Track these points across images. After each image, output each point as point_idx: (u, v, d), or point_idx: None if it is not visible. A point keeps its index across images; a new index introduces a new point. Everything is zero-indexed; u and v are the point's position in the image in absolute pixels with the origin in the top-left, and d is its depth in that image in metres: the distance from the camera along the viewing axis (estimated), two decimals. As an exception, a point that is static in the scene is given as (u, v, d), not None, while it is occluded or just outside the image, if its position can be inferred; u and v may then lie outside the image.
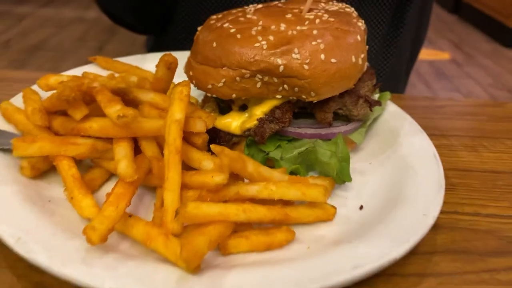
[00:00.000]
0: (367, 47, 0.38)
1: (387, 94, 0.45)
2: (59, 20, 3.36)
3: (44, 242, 0.26)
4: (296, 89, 0.34)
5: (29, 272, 0.28)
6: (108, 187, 0.34)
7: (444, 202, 0.40)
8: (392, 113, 0.44)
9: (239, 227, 0.30)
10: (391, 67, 0.73)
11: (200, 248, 0.25)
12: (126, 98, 0.35)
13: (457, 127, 0.51)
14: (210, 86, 0.35)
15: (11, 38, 3.08)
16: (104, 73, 0.45)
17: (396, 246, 0.29)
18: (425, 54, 3.79)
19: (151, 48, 0.83)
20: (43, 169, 0.33)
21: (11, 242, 0.26)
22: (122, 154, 0.30)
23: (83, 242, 0.27)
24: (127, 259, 0.26)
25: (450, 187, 0.41)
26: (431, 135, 0.49)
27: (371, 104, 0.38)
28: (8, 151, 0.33)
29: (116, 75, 0.43)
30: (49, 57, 2.81)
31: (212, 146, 0.31)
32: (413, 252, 0.33)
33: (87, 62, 2.00)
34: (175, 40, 0.70)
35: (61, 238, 0.27)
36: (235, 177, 0.31)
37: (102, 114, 0.32)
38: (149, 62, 0.48)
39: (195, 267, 0.25)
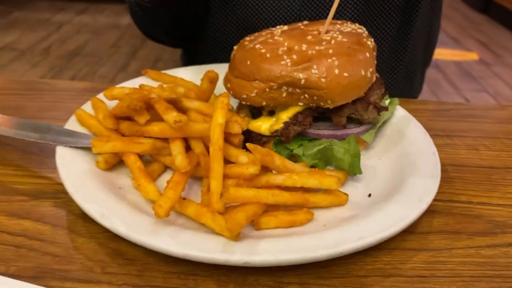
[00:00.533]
0: (375, 61, 0.46)
1: (396, 100, 0.52)
2: (95, 27, 3.50)
3: (121, 216, 0.35)
4: (315, 97, 0.42)
5: (107, 241, 0.37)
6: (163, 177, 0.43)
7: (442, 192, 0.47)
8: (400, 117, 0.51)
9: (268, 208, 0.37)
10: (404, 70, 0.79)
11: (239, 221, 0.33)
12: (177, 106, 0.43)
13: (461, 129, 0.58)
14: (244, 96, 0.43)
15: (51, 45, 3.24)
16: (154, 83, 0.54)
17: (394, 223, 0.36)
18: (452, 54, 3.77)
19: (184, 56, 0.92)
20: (114, 163, 0.42)
21: (97, 216, 0.35)
22: (177, 151, 0.38)
23: (150, 217, 0.35)
24: (184, 230, 0.35)
25: (448, 180, 0.47)
26: (436, 135, 0.56)
27: (379, 109, 0.45)
28: (86, 149, 0.42)
29: (164, 85, 0.51)
30: (86, 62, 2.94)
31: (247, 144, 0.39)
32: (412, 232, 0.40)
33: (121, 67, 2.14)
34: (205, 52, 0.79)
35: (134, 214, 0.35)
36: (265, 169, 0.39)
37: (159, 119, 0.41)
38: (191, 74, 0.57)
39: (236, 235, 0.33)
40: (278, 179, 0.38)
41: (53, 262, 0.35)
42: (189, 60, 0.89)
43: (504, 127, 0.59)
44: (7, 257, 0.35)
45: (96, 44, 3.20)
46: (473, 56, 3.87)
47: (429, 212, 0.43)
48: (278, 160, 0.38)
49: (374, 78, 0.45)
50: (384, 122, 0.51)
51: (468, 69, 3.66)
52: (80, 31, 3.52)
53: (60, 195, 0.41)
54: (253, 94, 0.43)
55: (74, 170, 0.40)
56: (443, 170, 0.49)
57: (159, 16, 0.72)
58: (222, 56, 0.75)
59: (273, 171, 0.40)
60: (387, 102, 0.52)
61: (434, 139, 0.54)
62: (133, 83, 0.53)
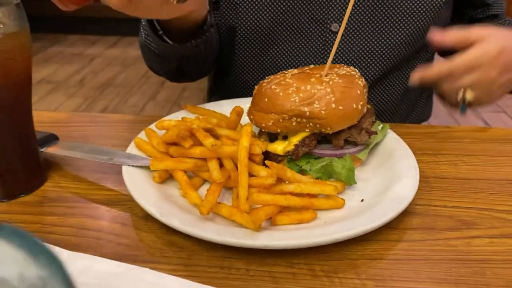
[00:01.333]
0: (366, 96, 0.58)
1: (387, 126, 0.63)
2: (125, 59, 3.70)
3: (175, 215, 0.47)
4: (318, 125, 0.54)
5: (163, 235, 0.49)
6: (202, 188, 0.55)
7: (422, 198, 0.57)
8: (390, 138, 0.63)
9: (282, 209, 0.49)
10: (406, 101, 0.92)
11: (260, 216, 0.45)
12: (212, 133, 0.57)
13: (445, 148, 0.69)
14: (263, 125, 0.56)
15: (84, 77, 3.45)
16: (192, 115, 0.67)
17: (378, 219, 0.47)
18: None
19: (210, 88, 1.07)
20: (166, 178, 0.55)
21: (157, 215, 0.47)
22: (213, 167, 0.51)
23: (195, 215, 0.48)
24: (221, 224, 0.47)
25: (428, 189, 0.58)
26: (424, 154, 0.67)
27: (370, 133, 0.57)
28: (145, 167, 0.55)
29: (200, 117, 0.65)
30: (117, 93, 3.14)
31: (266, 162, 0.51)
32: (395, 228, 0.51)
33: (151, 96, 2.32)
34: (230, 88, 0.93)
35: (183, 213, 0.48)
36: (279, 180, 0.51)
37: (199, 144, 0.54)
38: (220, 107, 0.70)
39: (258, 227, 0.45)
40: (290, 187, 0.50)
41: (125, 250, 0.48)
42: (216, 91, 1.03)
43: (482, 146, 0.70)
44: (92, 247, 0.48)
45: (126, 75, 3.39)
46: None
47: (410, 213, 0.54)
48: (289, 173, 0.51)
49: (365, 109, 0.58)
50: (377, 143, 0.62)
51: (485, 91, 3.67)
52: (111, 63, 3.72)
53: (126, 203, 0.54)
54: (270, 124, 0.55)
55: (137, 183, 0.53)
56: (426, 181, 0.60)
57: (164, 61, 0.80)
58: (244, 92, 0.89)
59: (286, 182, 0.52)
60: (380, 127, 0.64)
61: (422, 157, 0.65)
62: (176, 116, 0.67)
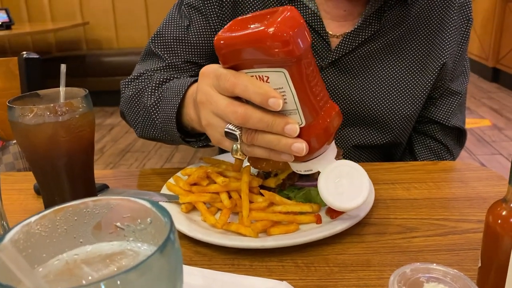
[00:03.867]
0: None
1: (352, 163, 0.85)
2: (141, 126, 3.97)
3: (199, 231, 0.67)
4: (298, 164, 0.76)
5: (190, 246, 0.69)
6: (217, 214, 0.76)
7: (379, 214, 0.77)
8: (355, 173, 0.84)
9: (274, 223, 0.69)
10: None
11: (258, 227, 0.65)
12: (222, 174, 0.78)
13: (402, 178, 0.89)
14: (259, 167, 0.78)
15: (105, 145, 3.72)
16: (208, 164, 0.89)
17: (338, 225, 0.67)
18: (466, 123, 4.03)
19: (220, 149, 1.27)
20: (190, 208, 0.76)
21: (186, 231, 0.68)
22: (224, 198, 0.72)
23: (213, 231, 0.68)
24: (231, 235, 0.68)
25: (385, 207, 0.78)
26: (384, 183, 0.87)
27: (336, 168, 0.79)
28: (175, 202, 0.77)
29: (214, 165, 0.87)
30: (136, 157, 3.39)
31: (261, 191, 0.72)
32: (356, 234, 0.70)
33: (167, 159, 2.57)
34: None
35: (204, 229, 0.69)
36: (271, 203, 0.72)
37: (214, 182, 0.75)
38: (228, 157, 0.92)
39: (256, 234, 0.65)
40: (279, 208, 0.70)
41: (164, 258, 0.68)
42: (224, 150, 1.24)
43: (432, 175, 0.89)
44: (141, 257, 0.69)
45: (143, 141, 3.65)
46: (485, 122, 4.12)
47: (368, 224, 0.73)
48: (278, 198, 0.71)
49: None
50: (345, 177, 0.83)
51: (481, 135, 3.87)
52: (129, 131, 3.99)
53: (162, 228, 0.75)
54: (264, 165, 0.77)
55: (170, 212, 0.74)
56: (384, 202, 0.80)
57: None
58: None
59: (276, 204, 0.73)
60: (348, 164, 0.85)
61: (382, 186, 0.85)
62: (196, 165, 0.89)
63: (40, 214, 0.35)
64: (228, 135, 0.59)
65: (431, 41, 0.92)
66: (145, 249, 0.37)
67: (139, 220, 0.37)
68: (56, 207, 0.36)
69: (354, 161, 1.14)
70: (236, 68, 0.55)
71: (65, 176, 0.72)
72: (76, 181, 0.73)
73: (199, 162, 0.90)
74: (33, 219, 0.35)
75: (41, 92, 0.74)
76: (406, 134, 1.06)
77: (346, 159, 1.11)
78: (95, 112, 3.52)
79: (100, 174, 0.97)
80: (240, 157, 0.61)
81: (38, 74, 1.12)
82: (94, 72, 4.66)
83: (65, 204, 0.36)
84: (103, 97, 4.30)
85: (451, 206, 0.77)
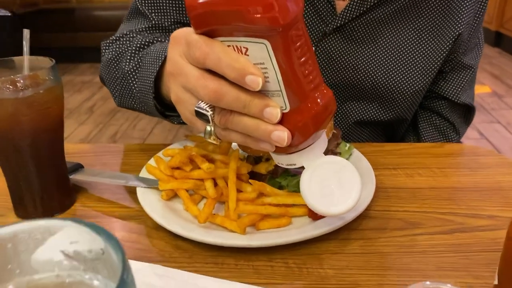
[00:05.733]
0: (332, 123, 0.72)
1: (352, 146, 0.77)
2: (132, 85, 3.86)
3: (179, 224, 0.60)
4: (292, 149, 0.68)
5: (170, 240, 0.62)
6: (201, 203, 0.69)
7: (379, 205, 0.70)
8: (354, 157, 0.76)
9: (263, 217, 0.62)
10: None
11: (244, 222, 0.58)
12: (208, 158, 0.70)
13: (405, 162, 0.82)
14: (249, 150, 0.70)
15: (94, 103, 3.62)
16: (193, 143, 0.81)
17: (336, 222, 0.60)
18: (466, 88, 3.94)
19: None
20: (171, 195, 0.68)
21: (165, 224, 0.60)
22: (209, 186, 0.64)
23: (195, 224, 0.61)
24: (215, 230, 0.60)
25: (386, 197, 0.71)
26: (386, 168, 0.80)
27: (335, 154, 0.71)
28: (155, 188, 0.69)
29: (199, 144, 0.79)
30: (126, 118, 3.29)
31: (250, 180, 0.65)
32: (355, 229, 0.64)
33: (158, 121, 2.47)
34: None
35: (186, 222, 0.61)
36: (261, 194, 0.65)
37: (198, 167, 0.68)
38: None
39: (243, 231, 0.59)
40: (269, 199, 0.63)
41: (141, 253, 0.61)
42: None
43: (437, 160, 0.83)
44: (115, 251, 0.62)
45: (134, 101, 3.54)
46: (485, 89, 4.03)
47: (368, 217, 0.67)
48: (269, 188, 0.64)
49: (331, 135, 0.71)
50: (344, 161, 0.76)
51: (480, 102, 3.80)
52: (119, 90, 3.86)
53: (140, 217, 0.67)
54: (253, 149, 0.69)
55: (149, 200, 0.66)
56: (385, 191, 0.73)
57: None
58: None
59: (266, 195, 0.65)
60: (346, 147, 0.77)
61: (383, 171, 0.78)
62: (180, 144, 0.81)
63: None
64: (199, 115, 0.50)
65: (446, 9, 0.83)
66: (98, 283, 0.30)
67: (89, 249, 0.29)
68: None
69: (355, 138, 1.08)
70: (210, 34, 0.46)
71: (30, 158, 0.64)
72: (43, 164, 0.65)
73: (183, 140, 0.82)
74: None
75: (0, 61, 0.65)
76: (413, 110, 0.98)
77: (346, 136, 1.05)
78: (84, 69, 3.43)
79: (77, 149, 0.89)
80: (214, 142, 0.52)
81: (6, 36, 1.01)
82: (84, 26, 4.49)
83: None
84: (93, 53, 4.15)
85: (458, 198, 0.70)
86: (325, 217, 0.61)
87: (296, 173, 0.70)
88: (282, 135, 0.46)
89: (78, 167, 0.76)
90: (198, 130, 0.54)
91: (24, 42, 0.65)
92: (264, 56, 0.44)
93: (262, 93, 0.47)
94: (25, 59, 0.65)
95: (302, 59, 0.45)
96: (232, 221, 0.60)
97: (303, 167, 0.66)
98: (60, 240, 0.30)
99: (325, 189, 0.52)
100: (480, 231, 0.63)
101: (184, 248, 0.61)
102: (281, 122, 0.47)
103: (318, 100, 0.47)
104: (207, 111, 0.49)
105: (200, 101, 0.49)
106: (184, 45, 0.48)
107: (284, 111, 0.47)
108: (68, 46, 4.47)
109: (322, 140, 0.52)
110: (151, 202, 0.66)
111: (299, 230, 0.60)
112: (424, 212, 0.67)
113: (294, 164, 0.55)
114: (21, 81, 0.61)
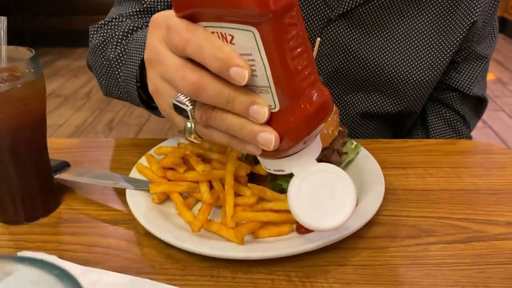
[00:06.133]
0: (337, 121, 0.66)
1: (359, 145, 0.72)
2: (129, 70, 3.79)
3: (171, 232, 0.55)
4: (295, 149, 0.62)
5: (162, 249, 0.57)
6: (196, 207, 0.63)
7: (388, 209, 0.65)
8: (362, 156, 0.71)
9: (263, 224, 0.57)
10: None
11: (242, 232, 0.53)
12: (203, 158, 0.65)
13: (415, 161, 0.76)
14: (248, 150, 0.64)
15: (91, 89, 3.55)
16: (186, 141, 0.75)
17: (343, 231, 0.55)
18: (469, 75, 3.88)
19: None
20: (163, 199, 0.63)
21: (156, 232, 0.56)
22: (204, 189, 0.59)
23: (189, 232, 0.56)
24: (210, 239, 0.55)
25: (396, 200, 0.66)
26: (394, 168, 0.75)
27: (340, 154, 0.65)
28: (145, 190, 0.64)
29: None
30: (123, 104, 3.23)
31: (249, 184, 0.59)
32: (362, 237, 0.59)
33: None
34: None
35: (178, 230, 0.56)
36: (261, 199, 0.59)
37: (192, 168, 0.62)
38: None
39: (241, 241, 0.54)
40: (269, 205, 0.58)
41: (130, 263, 0.56)
42: None
43: (449, 158, 0.77)
44: (101, 261, 0.56)
45: (131, 87, 3.48)
46: (489, 76, 3.96)
47: (376, 223, 0.62)
48: (269, 193, 0.59)
49: (336, 133, 0.66)
50: (350, 161, 0.70)
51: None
52: (116, 75, 3.80)
53: (130, 221, 0.63)
54: (253, 149, 0.64)
55: (139, 204, 0.61)
56: (394, 194, 0.68)
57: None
58: None
59: (266, 200, 0.60)
60: (353, 145, 0.72)
61: (392, 171, 0.73)
62: (173, 140, 0.75)
63: None
64: (178, 109, 0.44)
65: None
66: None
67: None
68: None
69: (360, 131, 1.02)
70: (193, 18, 0.40)
71: (9, 159, 0.58)
72: (23, 164, 0.60)
73: (176, 136, 0.77)
74: None
75: (-26, 52, 0.59)
76: (422, 102, 0.93)
77: (350, 129, 0.99)
78: (80, 53, 3.35)
79: (63, 144, 0.83)
80: (194, 140, 0.47)
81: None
82: (79, 9, 4.38)
83: None
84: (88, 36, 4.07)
85: (473, 202, 0.65)
86: (312, 231, 0.55)
87: (299, 174, 0.65)
88: (269, 137, 0.41)
89: (64, 166, 0.71)
90: (177, 126, 0.48)
91: (1, 31, 0.59)
92: (251, 46, 0.38)
93: (249, 88, 0.41)
94: (2, 50, 0.59)
95: (296, 52, 0.39)
96: (229, 230, 0.55)
97: (292, 174, 0.61)
98: (19, 282, 0.25)
99: (315, 201, 0.46)
100: (499, 240, 0.58)
101: (177, 258, 0.56)
102: (269, 122, 0.42)
103: (313, 99, 0.42)
104: (187, 105, 0.43)
105: (179, 94, 0.43)
106: (163, 29, 0.42)
107: (273, 110, 0.42)
108: (64, 30, 4.38)
109: (315, 144, 0.46)
110: (141, 206, 0.61)
111: (303, 240, 0.54)
112: (437, 217, 0.62)
113: (283, 170, 0.48)
114: (-3, 74, 0.55)
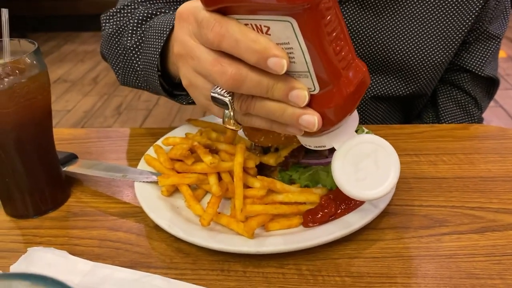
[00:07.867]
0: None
1: (370, 132, 0.70)
2: (136, 53, 3.76)
3: (181, 226, 0.55)
4: (304, 139, 0.61)
5: (172, 243, 0.57)
6: (205, 199, 0.63)
7: (400, 199, 0.64)
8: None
9: (274, 217, 0.56)
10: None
11: (252, 226, 0.53)
12: (211, 148, 0.64)
13: (427, 147, 0.74)
14: (256, 140, 0.63)
15: (98, 74, 3.54)
16: (194, 129, 0.74)
17: (355, 223, 0.54)
18: (480, 52, 3.80)
19: None
20: (172, 191, 0.62)
21: (166, 227, 0.55)
22: (213, 182, 0.59)
23: (198, 225, 0.56)
24: (220, 233, 0.55)
25: (408, 189, 0.65)
26: (406, 155, 0.73)
27: (352, 143, 0.64)
28: (154, 182, 0.63)
29: (202, 129, 0.72)
30: (130, 89, 3.22)
31: (258, 177, 0.58)
32: (374, 228, 0.58)
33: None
34: None
35: (188, 224, 0.56)
36: (270, 191, 0.59)
37: (200, 160, 0.61)
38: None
39: (251, 235, 0.53)
40: (279, 197, 0.57)
41: (140, 258, 0.56)
42: None
43: (462, 144, 0.75)
44: (112, 256, 0.56)
45: (138, 71, 3.46)
46: (500, 53, 3.87)
47: (388, 213, 0.60)
48: (279, 184, 0.58)
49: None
50: (361, 149, 0.69)
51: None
52: (123, 59, 3.77)
53: (139, 214, 0.62)
54: (262, 139, 0.62)
55: (147, 197, 0.61)
56: (406, 182, 0.67)
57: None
58: None
59: (276, 192, 0.59)
60: (365, 132, 0.70)
61: (404, 158, 0.71)
62: (180, 130, 0.74)
63: None
64: (216, 100, 0.45)
65: None
66: None
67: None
68: None
69: (370, 114, 1.00)
70: (224, 11, 0.40)
71: (16, 154, 0.58)
72: (30, 159, 0.59)
73: (185, 125, 0.76)
74: None
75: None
76: (433, 84, 0.91)
77: (361, 112, 0.97)
78: (87, 38, 3.32)
79: (71, 135, 0.83)
80: (233, 128, 0.48)
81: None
82: (85, -8, 4.34)
83: None
84: (96, 21, 4.04)
85: (488, 190, 0.64)
86: (319, 224, 0.55)
87: (309, 164, 0.63)
88: (312, 119, 0.42)
89: (71, 158, 0.70)
90: (215, 115, 0.49)
91: (2, 24, 0.57)
92: (289, 35, 0.38)
93: (287, 74, 0.41)
94: (5, 43, 0.58)
95: (333, 35, 0.39)
96: (239, 223, 0.54)
97: (315, 157, 0.60)
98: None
99: (360, 172, 0.47)
100: (514, 230, 0.57)
101: (187, 252, 0.55)
102: (310, 104, 0.42)
103: (352, 77, 0.42)
104: (225, 96, 0.44)
105: (215, 86, 0.44)
106: (193, 23, 0.43)
107: (313, 93, 0.42)
108: (69, 14, 4.34)
109: (353, 117, 0.47)
110: (150, 199, 0.60)
111: (313, 233, 0.54)
112: (451, 207, 0.61)
113: (324, 146, 0.49)
114: (1, 70, 0.54)
